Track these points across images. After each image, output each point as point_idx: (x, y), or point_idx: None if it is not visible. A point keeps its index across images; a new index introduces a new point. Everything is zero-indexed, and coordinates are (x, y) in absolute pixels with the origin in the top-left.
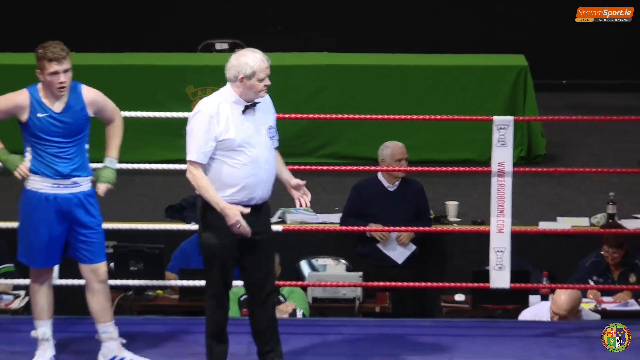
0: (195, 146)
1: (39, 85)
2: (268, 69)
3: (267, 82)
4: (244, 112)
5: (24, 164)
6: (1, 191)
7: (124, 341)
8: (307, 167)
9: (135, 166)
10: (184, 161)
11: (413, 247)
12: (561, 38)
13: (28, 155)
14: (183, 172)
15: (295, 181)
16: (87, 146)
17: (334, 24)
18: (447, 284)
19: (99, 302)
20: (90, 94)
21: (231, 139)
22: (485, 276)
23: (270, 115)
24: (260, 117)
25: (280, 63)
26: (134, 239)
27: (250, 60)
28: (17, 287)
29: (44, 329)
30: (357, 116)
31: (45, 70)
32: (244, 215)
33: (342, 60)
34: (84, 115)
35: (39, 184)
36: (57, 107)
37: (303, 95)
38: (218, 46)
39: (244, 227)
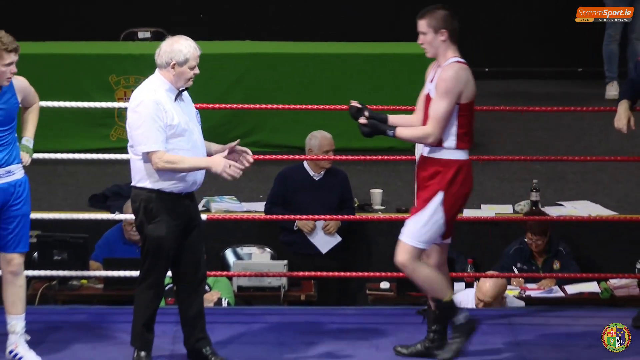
0: (152, 135)
1: None
2: (199, 58)
3: (197, 70)
4: (175, 99)
5: None
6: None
7: (28, 337)
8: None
9: (59, 156)
10: (106, 150)
11: (338, 238)
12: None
13: None
14: (106, 161)
15: (229, 145)
16: (16, 135)
17: (260, 12)
18: (371, 274)
19: (7, 293)
20: (18, 82)
21: (176, 125)
22: None
23: (190, 103)
24: (187, 104)
25: (203, 51)
26: (57, 228)
27: (183, 48)
28: None
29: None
30: (280, 106)
31: (2, 60)
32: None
33: (265, 48)
34: (15, 103)
35: None
36: None
37: (226, 84)
38: (141, 35)
39: (235, 165)
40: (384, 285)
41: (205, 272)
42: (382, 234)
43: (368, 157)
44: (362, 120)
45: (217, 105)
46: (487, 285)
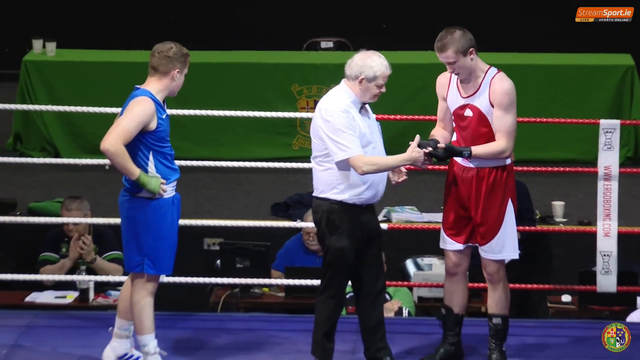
0: (350, 142)
1: (153, 89)
2: (387, 78)
3: (384, 89)
4: (359, 110)
5: (162, 182)
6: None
7: (165, 354)
8: (412, 166)
9: (241, 164)
10: (288, 158)
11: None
12: None
13: (151, 165)
14: (288, 170)
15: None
16: None
17: (439, 24)
18: (552, 286)
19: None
20: None
21: (362, 136)
22: (592, 277)
23: (371, 115)
24: (369, 117)
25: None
26: (239, 236)
27: (375, 65)
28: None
29: (154, 342)
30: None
31: (185, 71)
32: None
33: None
34: None
35: (167, 189)
36: (163, 105)
37: (406, 94)
38: (323, 44)
39: (418, 151)
40: (565, 298)
41: (384, 283)
42: (564, 246)
43: (549, 168)
44: (440, 145)
45: (397, 117)
46: None
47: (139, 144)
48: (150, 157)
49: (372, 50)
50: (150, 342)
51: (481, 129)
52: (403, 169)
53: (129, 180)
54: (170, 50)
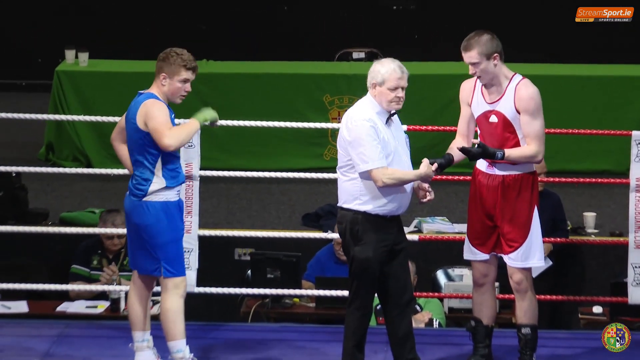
0: (373, 153)
1: (155, 92)
2: (402, 80)
3: (400, 93)
4: (386, 122)
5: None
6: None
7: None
8: (445, 176)
9: (273, 174)
10: (320, 169)
11: (549, 262)
12: None
13: (158, 166)
14: (320, 180)
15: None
16: None
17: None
18: (584, 297)
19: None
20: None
21: (386, 147)
22: (623, 288)
23: (399, 127)
24: (396, 128)
25: (416, 72)
26: (270, 246)
27: (382, 68)
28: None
29: (187, 348)
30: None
31: (177, 76)
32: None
33: None
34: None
35: (174, 194)
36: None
37: (437, 105)
38: (355, 55)
39: (427, 165)
40: (597, 309)
41: (412, 294)
42: (595, 257)
43: (582, 179)
44: (475, 141)
45: (428, 127)
46: None
47: (150, 143)
48: (159, 158)
49: (388, 57)
50: (185, 347)
51: (506, 135)
52: (429, 190)
53: (136, 184)
54: (160, 55)
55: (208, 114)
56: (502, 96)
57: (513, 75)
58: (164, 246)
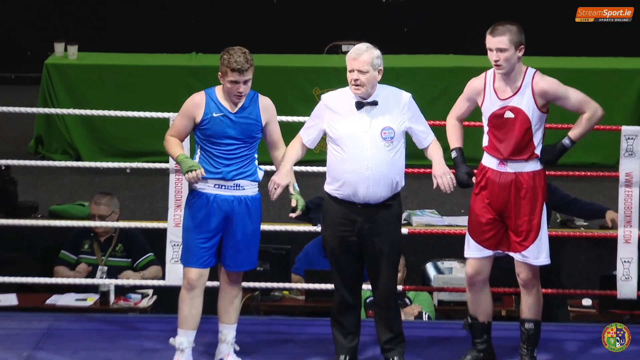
0: (306, 125)
1: (217, 87)
2: (355, 62)
3: (355, 75)
4: (359, 108)
5: (199, 170)
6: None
7: (238, 348)
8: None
9: (262, 167)
10: (309, 162)
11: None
12: None
13: (196, 159)
14: (309, 173)
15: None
16: (256, 155)
17: (460, 28)
18: (573, 290)
19: (222, 302)
20: (263, 101)
21: (338, 130)
22: (612, 281)
23: (390, 116)
24: (375, 116)
25: (405, 65)
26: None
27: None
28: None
29: (181, 339)
30: (471, 123)
31: (226, 77)
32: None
33: (469, 62)
34: (256, 120)
35: (202, 184)
36: (232, 108)
37: (428, 98)
38: (344, 48)
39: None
40: (586, 302)
41: (391, 287)
42: (584, 250)
43: (571, 172)
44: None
45: None
46: None
47: (195, 137)
48: (198, 152)
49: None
50: (182, 337)
51: (524, 129)
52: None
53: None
54: None
55: (184, 165)
56: (517, 91)
57: (526, 69)
58: (182, 232)
